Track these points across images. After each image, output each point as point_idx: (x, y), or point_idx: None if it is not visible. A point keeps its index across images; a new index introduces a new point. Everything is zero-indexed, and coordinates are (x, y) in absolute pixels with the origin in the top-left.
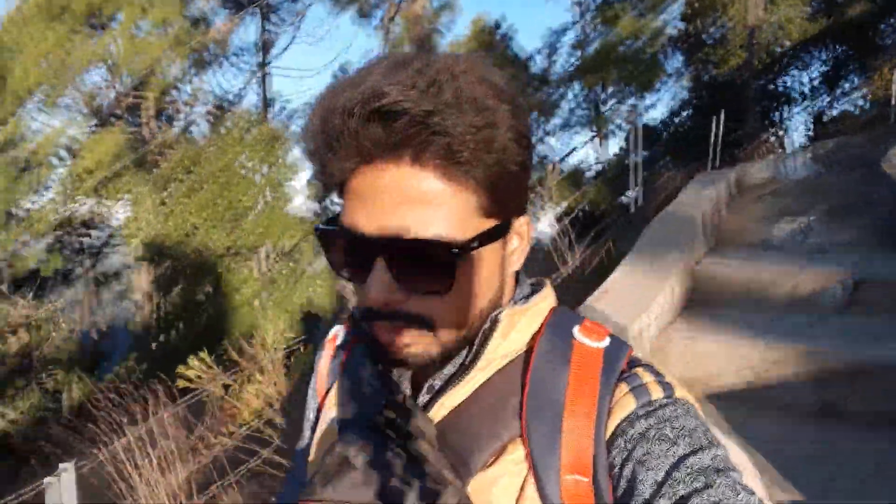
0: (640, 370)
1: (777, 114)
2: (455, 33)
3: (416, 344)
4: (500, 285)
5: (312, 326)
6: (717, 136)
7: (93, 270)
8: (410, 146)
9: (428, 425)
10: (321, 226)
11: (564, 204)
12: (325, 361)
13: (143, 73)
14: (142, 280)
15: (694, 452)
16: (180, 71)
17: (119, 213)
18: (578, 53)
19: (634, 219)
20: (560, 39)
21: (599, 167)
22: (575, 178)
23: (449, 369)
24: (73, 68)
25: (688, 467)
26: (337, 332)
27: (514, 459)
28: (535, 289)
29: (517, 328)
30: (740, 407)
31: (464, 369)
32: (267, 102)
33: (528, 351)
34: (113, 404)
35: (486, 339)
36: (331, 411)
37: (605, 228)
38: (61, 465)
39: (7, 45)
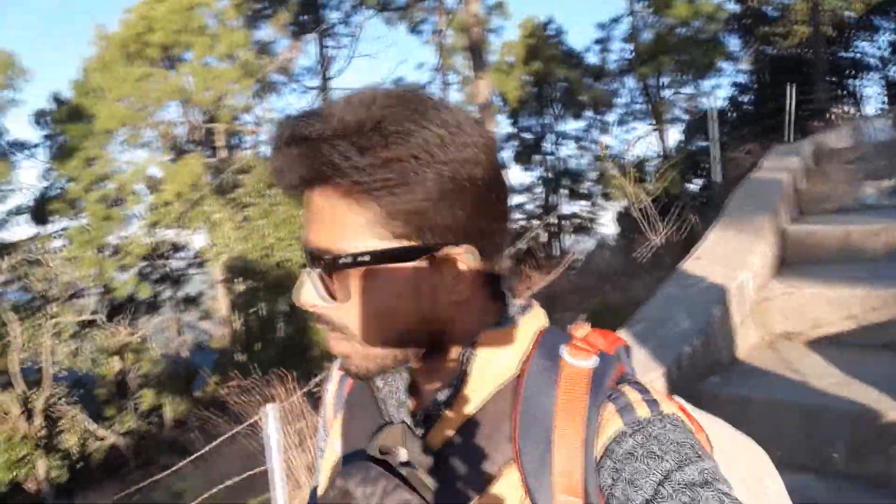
0: (626, 388)
1: (848, 83)
2: (504, 38)
3: (350, 355)
4: (429, 307)
5: None
6: (790, 108)
7: (176, 295)
8: (320, 170)
9: (424, 454)
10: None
11: (627, 200)
12: (332, 390)
13: (214, 103)
14: (220, 302)
15: (681, 467)
16: (247, 98)
17: (197, 239)
18: (631, 46)
19: (714, 197)
20: (611, 33)
21: (662, 156)
22: (639, 169)
23: (441, 396)
24: (150, 106)
25: (674, 483)
26: None
27: (510, 483)
28: (524, 310)
29: (504, 351)
30: (847, 351)
31: (454, 396)
32: None
33: (520, 374)
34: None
35: (467, 363)
36: (336, 441)
37: (682, 210)
38: (268, 406)
39: (92, 89)
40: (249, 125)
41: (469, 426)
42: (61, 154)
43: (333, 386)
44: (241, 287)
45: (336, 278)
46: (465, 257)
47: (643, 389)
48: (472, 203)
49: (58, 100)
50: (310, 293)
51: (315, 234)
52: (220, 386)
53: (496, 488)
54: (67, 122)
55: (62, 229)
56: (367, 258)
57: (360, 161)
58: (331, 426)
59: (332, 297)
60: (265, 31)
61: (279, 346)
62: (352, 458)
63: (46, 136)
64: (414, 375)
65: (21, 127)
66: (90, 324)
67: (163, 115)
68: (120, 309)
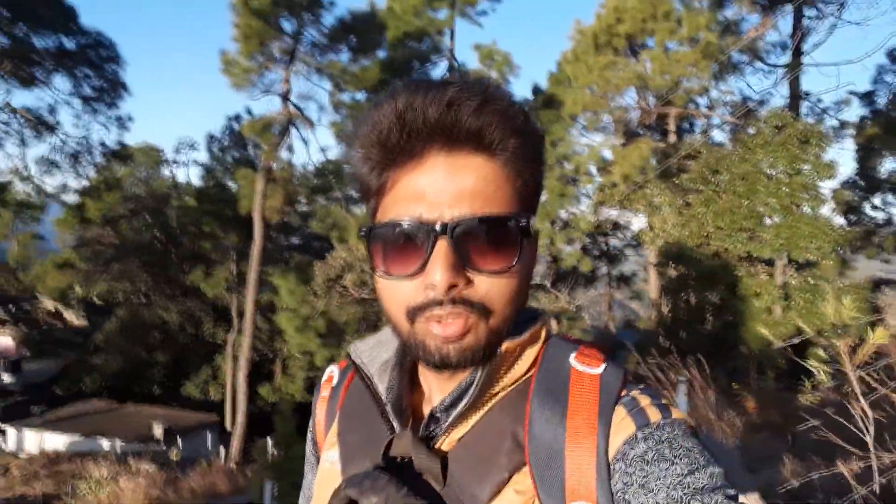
0: (636, 393)
1: None
2: None
3: (472, 332)
4: (527, 289)
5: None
6: None
7: (611, 273)
8: (473, 137)
9: (432, 461)
10: (368, 226)
11: None
12: (321, 403)
13: (669, 87)
14: (651, 285)
15: (692, 472)
16: (704, 81)
17: (637, 221)
18: None
19: None
20: None
21: None
22: None
23: (449, 399)
24: (610, 92)
25: (685, 486)
26: (332, 373)
27: (521, 489)
28: (532, 317)
29: (519, 359)
30: None
31: (467, 401)
32: (798, 101)
33: (528, 380)
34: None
35: (491, 373)
36: (330, 452)
37: None
38: (679, 378)
39: (563, 79)
40: (702, 109)
41: (477, 432)
42: None
43: (324, 398)
44: (673, 272)
45: (504, 242)
46: (538, 236)
47: (653, 394)
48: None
49: (536, 90)
50: (459, 269)
51: (466, 202)
52: (640, 365)
53: (506, 494)
54: (541, 109)
55: None
56: (531, 222)
57: (517, 135)
58: (323, 439)
59: (503, 267)
60: (732, 11)
61: (705, 337)
62: (355, 467)
63: None
64: (421, 381)
65: None
66: (538, 287)
67: (620, 100)
68: (563, 278)
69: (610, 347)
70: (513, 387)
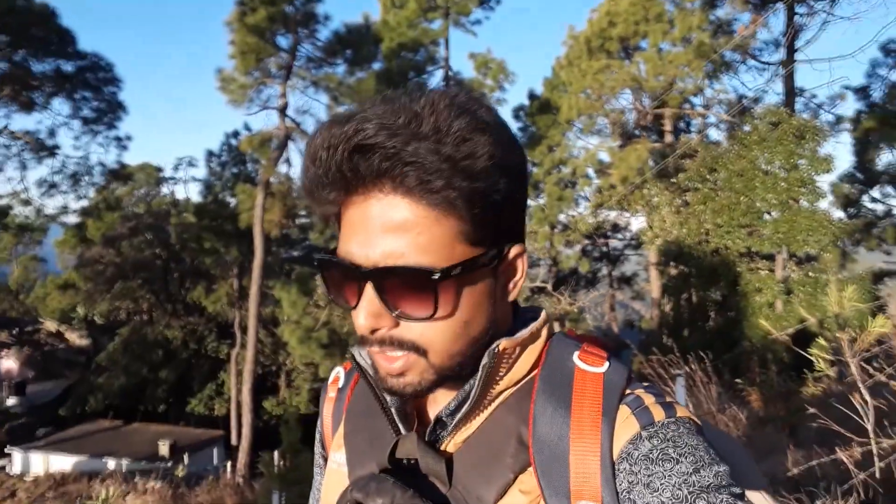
0: (640, 392)
1: None
2: None
3: (410, 371)
4: (493, 313)
5: None
6: None
7: (612, 274)
8: (388, 177)
9: (437, 463)
10: (318, 255)
11: None
12: (328, 404)
13: (664, 88)
14: (652, 285)
15: (697, 471)
16: (698, 80)
17: (636, 222)
18: None
19: None
20: None
21: None
22: None
23: (454, 403)
24: (605, 95)
25: (690, 485)
26: (338, 374)
27: (526, 489)
28: (533, 316)
29: (520, 359)
30: None
31: (470, 403)
32: (792, 97)
33: (531, 380)
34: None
35: (489, 372)
36: (337, 453)
37: None
38: (677, 372)
39: (560, 84)
40: (697, 108)
41: (482, 433)
42: (530, 142)
43: (331, 399)
44: (673, 271)
45: (422, 292)
46: (518, 258)
47: (657, 392)
48: (523, 201)
49: (532, 96)
50: (381, 314)
51: (385, 246)
52: (643, 364)
53: (512, 494)
54: (537, 114)
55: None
56: (458, 270)
57: (446, 170)
58: (330, 440)
59: (421, 316)
60: (724, 10)
61: (708, 334)
62: (362, 469)
63: (521, 129)
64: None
65: None
66: (540, 290)
67: (616, 103)
68: (564, 280)
69: (615, 344)
70: (516, 387)
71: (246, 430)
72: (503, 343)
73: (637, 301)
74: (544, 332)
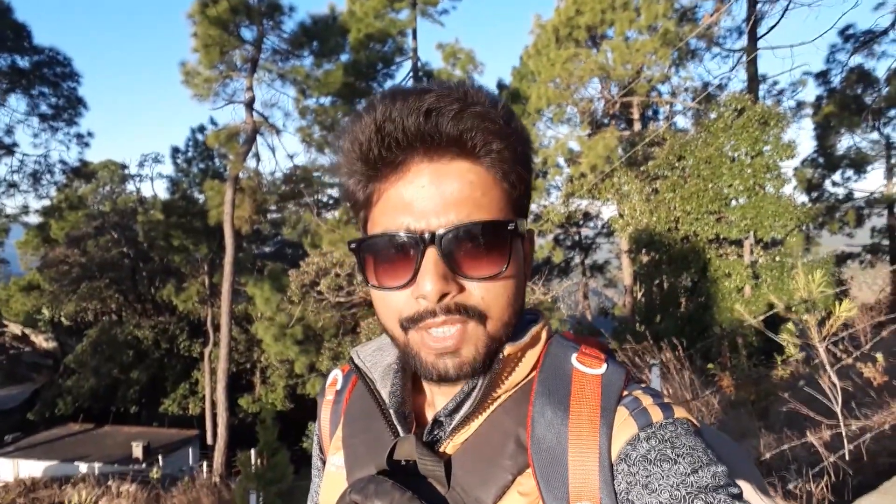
0: (638, 393)
1: None
2: None
3: (466, 343)
4: (525, 287)
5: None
6: None
7: (584, 262)
8: (454, 140)
9: (436, 464)
10: (355, 240)
11: None
12: (326, 407)
13: (631, 76)
14: (624, 272)
15: (695, 471)
16: (664, 68)
17: (607, 210)
18: None
19: None
20: None
21: None
22: None
23: (451, 404)
24: (574, 84)
25: (689, 485)
26: (336, 377)
27: (525, 491)
28: (532, 319)
29: (521, 362)
30: None
31: (471, 406)
32: (756, 83)
33: (529, 381)
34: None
35: (493, 378)
36: (335, 456)
37: None
38: (652, 362)
39: (526, 73)
40: (664, 96)
41: (481, 435)
42: None
43: (329, 402)
44: (644, 258)
45: (492, 248)
46: (533, 235)
47: (655, 393)
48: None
49: (500, 86)
50: (450, 277)
51: (452, 209)
52: (617, 352)
53: (510, 496)
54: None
55: None
56: (521, 227)
57: (505, 133)
58: (328, 442)
59: (494, 272)
60: None
61: (680, 319)
62: (360, 471)
63: None
64: (424, 385)
65: None
66: None
67: (584, 92)
68: (537, 270)
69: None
70: (515, 389)
71: (221, 429)
72: (508, 349)
73: (610, 289)
74: (544, 335)
